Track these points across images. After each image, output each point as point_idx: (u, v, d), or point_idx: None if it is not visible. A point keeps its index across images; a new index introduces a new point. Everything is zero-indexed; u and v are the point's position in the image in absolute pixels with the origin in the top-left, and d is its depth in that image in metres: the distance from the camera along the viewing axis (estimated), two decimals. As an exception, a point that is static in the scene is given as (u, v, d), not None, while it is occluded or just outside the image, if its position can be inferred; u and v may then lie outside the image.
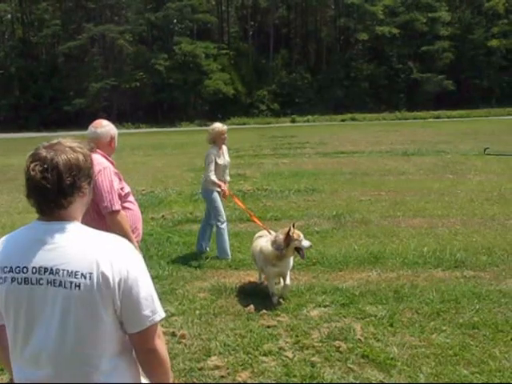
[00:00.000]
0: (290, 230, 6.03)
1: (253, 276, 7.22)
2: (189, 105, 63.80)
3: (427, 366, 4.67)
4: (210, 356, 4.95)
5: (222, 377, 4.60)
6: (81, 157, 2.05)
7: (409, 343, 5.08)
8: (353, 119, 57.43)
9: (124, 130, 48.76)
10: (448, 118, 55.34)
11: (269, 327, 5.52)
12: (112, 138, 4.65)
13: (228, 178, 8.50)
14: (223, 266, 7.72)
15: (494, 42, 68.25)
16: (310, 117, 57.53)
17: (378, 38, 69.03)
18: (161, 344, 2.07)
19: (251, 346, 5.10)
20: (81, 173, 2.04)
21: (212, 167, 7.96)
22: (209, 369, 4.72)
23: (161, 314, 2.04)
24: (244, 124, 56.08)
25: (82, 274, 1.93)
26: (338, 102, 63.40)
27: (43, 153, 2.00)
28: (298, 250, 6.09)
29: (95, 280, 1.93)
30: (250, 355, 4.95)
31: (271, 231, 6.72)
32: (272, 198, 13.02)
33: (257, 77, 66.28)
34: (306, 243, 6.10)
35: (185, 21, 65.83)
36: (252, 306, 6.08)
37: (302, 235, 6.12)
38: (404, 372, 4.55)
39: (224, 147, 8.22)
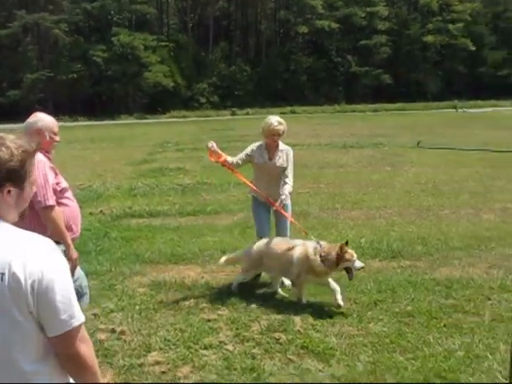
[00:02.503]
0: (342, 249, 5.64)
1: (193, 270, 7.20)
2: (128, 97, 62.86)
3: (365, 355, 4.77)
4: (150, 352, 4.91)
5: (163, 372, 4.57)
6: (6, 156, 1.99)
7: (347, 333, 5.17)
8: (292, 112, 57.73)
9: (61, 123, 47.09)
10: (386, 111, 56.41)
11: (209, 321, 5.51)
12: (48, 132, 4.50)
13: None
14: (163, 261, 7.66)
15: (429, 38, 70.12)
16: (249, 109, 57.59)
17: (318, 31, 69.76)
18: (84, 348, 2.00)
19: (192, 341, 5.08)
20: (2, 171, 1.98)
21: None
22: (149, 365, 4.68)
23: (79, 318, 1.97)
24: (184, 117, 55.71)
25: None
26: (278, 94, 63.78)
27: None
28: (348, 269, 5.73)
29: (6, 281, 1.87)
30: (190, 349, 4.93)
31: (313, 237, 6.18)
32: (212, 191, 13.01)
33: (196, 69, 65.94)
34: (358, 264, 5.72)
35: (123, 11, 64.66)
36: (192, 300, 6.07)
37: (355, 255, 5.74)
38: (342, 361, 4.64)
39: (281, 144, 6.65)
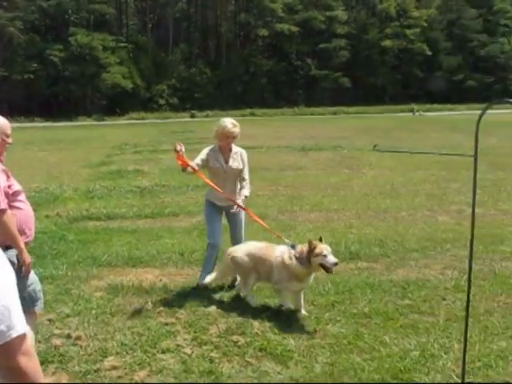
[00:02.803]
0: (311, 244, 5.45)
1: (150, 273, 7.13)
2: (86, 98, 62.18)
3: (323, 356, 4.79)
4: (106, 356, 4.83)
5: (120, 377, 4.51)
6: None
7: (305, 335, 5.19)
8: (252, 114, 58.00)
9: (16, 124, 46.63)
10: (345, 114, 57.07)
11: (167, 324, 5.46)
12: (0, 134, 4.38)
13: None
14: (120, 264, 7.56)
15: (387, 43, 71.35)
16: (209, 112, 57.54)
17: (278, 34, 70.20)
18: (26, 362, 1.93)
19: (149, 344, 5.03)
20: None
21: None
22: (105, 370, 4.61)
23: (18, 330, 1.89)
24: (143, 119, 55.36)
25: None
26: (238, 97, 63.96)
27: None
28: (323, 266, 5.45)
29: None
30: (147, 353, 4.88)
31: (287, 240, 6.02)
32: (170, 193, 12.93)
33: (156, 71, 65.58)
34: (331, 259, 5.41)
35: (81, 11, 63.92)
36: (150, 304, 6.00)
37: (327, 250, 5.45)
38: (300, 363, 4.64)
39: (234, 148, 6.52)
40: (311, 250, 5.41)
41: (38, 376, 1.97)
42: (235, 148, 6.45)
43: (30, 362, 1.93)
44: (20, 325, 1.90)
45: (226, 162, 6.34)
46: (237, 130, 6.28)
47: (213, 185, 6.32)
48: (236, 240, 6.58)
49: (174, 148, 6.05)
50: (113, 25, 70.81)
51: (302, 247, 5.56)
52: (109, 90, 60.37)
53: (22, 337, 1.90)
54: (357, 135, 28.44)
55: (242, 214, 6.52)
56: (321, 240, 5.55)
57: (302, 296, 5.73)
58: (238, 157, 6.43)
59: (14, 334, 1.88)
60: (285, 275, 5.60)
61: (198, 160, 6.32)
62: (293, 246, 5.69)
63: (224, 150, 6.36)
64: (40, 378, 1.98)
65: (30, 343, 1.95)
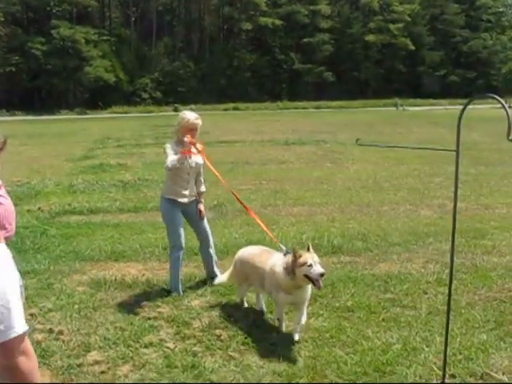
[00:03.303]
0: (295, 253, 4.90)
1: (133, 268, 7.11)
2: (68, 92, 61.72)
3: (305, 350, 4.81)
4: (89, 351, 4.82)
5: (102, 372, 4.49)
6: None
7: (287, 328, 5.20)
8: (235, 108, 57.90)
9: (-3, 118, 46.34)
10: (328, 108, 57.13)
11: (150, 319, 5.45)
12: None
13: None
14: (103, 259, 7.53)
15: (370, 37, 71.50)
16: (192, 106, 57.19)
17: (262, 28, 70.11)
18: (24, 361, 1.93)
19: (132, 339, 5.02)
20: None
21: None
22: (88, 364, 4.59)
23: (17, 330, 1.91)
24: (126, 113, 55.05)
25: None
26: (221, 91, 63.82)
27: None
28: (309, 277, 4.87)
29: None
30: (130, 348, 4.87)
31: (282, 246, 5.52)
32: (153, 188, 12.85)
33: (139, 64, 65.24)
34: (316, 270, 4.83)
35: (63, 3, 63.21)
36: (133, 298, 6.00)
37: (312, 259, 4.86)
38: (283, 357, 4.66)
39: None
40: (295, 259, 4.87)
41: (36, 375, 1.97)
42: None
43: (28, 361, 1.93)
44: (19, 325, 1.90)
45: (190, 157, 6.15)
46: (200, 122, 6.15)
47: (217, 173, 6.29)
48: (202, 233, 6.50)
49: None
50: (95, 18, 70.25)
51: (289, 256, 5.03)
52: (91, 84, 59.96)
53: (21, 337, 1.91)
54: (340, 129, 28.49)
55: (201, 206, 6.45)
56: (308, 249, 4.98)
57: (303, 319, 5.07)
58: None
59: (13, 334, 1.88)
60: (273, 285, 5.16)
61: (172, 156, 6.05)
62: (286, 254, 5.21)
63: (185, 145, 6.13)
64: (37, 378, 1.98)
65: (28, 343, 1.95)
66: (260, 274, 5.39)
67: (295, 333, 4.99)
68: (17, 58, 57.74)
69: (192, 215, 6.40)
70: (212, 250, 6.60)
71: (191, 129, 6.09)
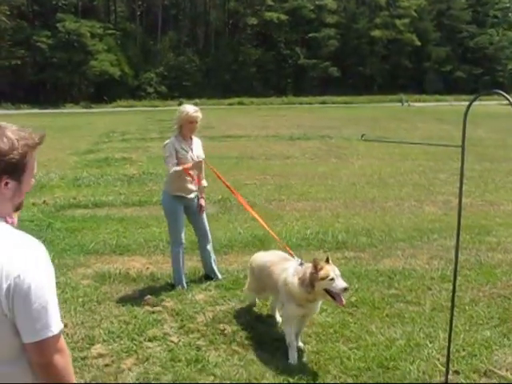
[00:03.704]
0: (316, 265, 4.45)
1: (138, 261, 7.13)
2: (73, 86, 61.70)
3: (309, 345, 4.82)
4: (93, 344, 4.84)
5: (106, 365, 4.52)
6: (3, 147, 1.92)
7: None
8: (240, 103, 57.80)
9: (3, 111, 46.40)
10: (333, 103, 56.99)
11: (153, 312, 5.47)
12: None
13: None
14: (107, 252, 7.55)
15: (376, 32, 71.12)
16: (197, 100, 57.09)
17: (267, 23, 69.83)
18: (59, 359, 1.94)
19: (136, 332, 5.04)
20: (0, 163, 1.91)
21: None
22: (92, 357, 4.62)
23: (54, 330, 1.91)
24: (131, 107, 55.00)
25: None
26: (226, 85, 63.69)
27: None
28: (329, 292, 4.46)
29: None
30: (134, 341, 4.89)
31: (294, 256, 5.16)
32: (158, 182, 12.82)
33: (144, 58, 65.17)
34: (339, 285, 4.41)
35: (69, -3, 63.18)
36: (137, 292, 6.02)
37: (334, 272, 4.44)
38: (287, 352, 4.65)
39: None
40: (316, 271, 4.44)
41: (70, 371, 1.99)
42: (194, 137, 6.29)
43: (62, 358, 1.95)
44: (56, 324, 1.92)
45: (192, 150, 6.14)
46: (199, 114, 6.11)
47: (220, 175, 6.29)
48: (201, 228, 6.44)
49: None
50: (101, 11, 70.17)
51: (307, 267, 4.63)
52: (96, 78, 59.90)
53: (57, 336, 1.92)
54: (345, 125, 28.43)
55: (202, 201, 6.38)
56: (327, 260, 4.56)
57: (303, 328, 4.94)
58: (199, 146, 6.31)
59: (49, 333, 1.90)
60: (285, 295, 4.78)
61: (173, 161, 6.00)
62: (301, 264, 4.81)
63: (186, 139, 6.15)
64: (71, 373, 1.99)
65: (63, 340, 1.97)
66: (274, 281, 4.99)
67: (297, 342, 4.77)
68: (22, 51, 57.71)
69: (193, 210, 6.36)
70: (210, 247, 6.51)
71: (191, 121, 6.06)
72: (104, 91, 58.43)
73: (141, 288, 6.15)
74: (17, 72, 57.37)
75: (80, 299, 5.83)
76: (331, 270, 4.43)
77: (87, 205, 10.58)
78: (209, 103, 54.19)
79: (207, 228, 6.50)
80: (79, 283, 6.34)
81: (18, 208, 2.11)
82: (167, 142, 6.19)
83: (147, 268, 6.84)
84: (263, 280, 5.24)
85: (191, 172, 6.02)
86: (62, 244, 7.92)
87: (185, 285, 6.19)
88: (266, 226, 5.90)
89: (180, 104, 54.71)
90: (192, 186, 6.17)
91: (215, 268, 6.50)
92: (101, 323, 5.24)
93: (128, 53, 64.63)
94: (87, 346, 4.82)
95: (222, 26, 74.55)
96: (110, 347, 4.79)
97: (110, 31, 63.93)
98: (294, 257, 5.13)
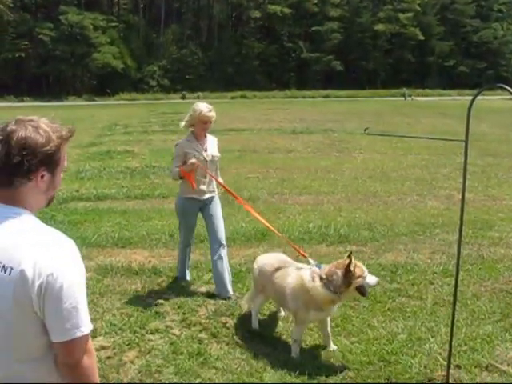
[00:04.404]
0: (350, 263, 4.30)
1: (140, 254, 7.14)
2: (76, 78, 61.65)
3: (311, 338, 4.84)
4: (95, 337, 4.83)
5: (108, 357, 4.53)
6: (41, 140, 1.92)
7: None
8: (243, 97, 57.73)
9: (6, 103, 46.46)
10: (336, 97, 56.90)
11: (156, 305, 5.48)
12: None
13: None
14: (110, 245, 7.56)
15: (379, 26, 70.92)
16: (200, 93, 57.16)
17: (270, 16, 69.65)
18: (85, 360, 1.93)
19: (138, 325, 5.06)
20: (34, 156, 1.91)
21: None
22: (94, 350, 4.62)
23: (84, 330, 1.91)
24: (133, 100, 54.97)
25: (3, 266, 1.84)
26: (229, 79, 63.58)
27: (9, 125, 1.93)
28: (360, 288, 4.41)
29: (14, 277, 1.83)
30: (136, 334, 4.90)
31: (310, 259, 4.84)
32: (160, 175, 12.88)
33: (147, 51, 65.05)
34: (371, 280, 4.42)
35: (71, -11, 63.08)
36: (139, 285, 6.03)
37: (365, 269, 4.42)
38: (289, 345, 4.67)
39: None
40: (352, 270, 4.30)
41: (95, 372, 1.99)
42: (208, 135, 5.94)
43: (89, 358, 1.95)
44: (85, 325, 1.91)
45: (206, 149, 5.82)
46: (213, 114, 5.74)
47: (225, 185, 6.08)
48: (216, 237, 5.94)
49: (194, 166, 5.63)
50: (104, 4, 70.04)
51: (331, 267, 4.43)
52: (99, 70, 59.85)
53: (86, 336, 1.92)
54: (348, 119, 28.39)
55: (219, 205, 6.10)
56: (350, 256, 4.36)
57: (329, 327, 4.75)
58: (214, 144, 5.98)
59: (78, 333, 1.89)
60: (301, 302, 4.52)
61: (179, 161, 5.75)
62: (318, 266, 4.58)
63: (200, 138, 5.82)
64: (95, 376, 1.99)
65: (91, 342, 1.96)
66: (281, 288, 4.73)
67: (329, 345, 4.68)
68: (25, 43, 57.62)
69: (210, 213, 5.96)
70: (225, 256, 5.94)
71: (205, 122, 5.70)
72: (107, 84, 58.37)
73: (143, 281, 6.16)
74: (19, 64, 57.40)
75: (82, 292, 5.83)
76: (363, 268, 4.41)
77: (89, 197, 10.60)
78: (211, 96, 54.07)
79: (223, 233, 6.02)
80: (81, 276, 6.34)
81: (49, 202, 2.12)
82: (179, 142, 6.00)
83: (149, 261, 6.85)
84: (266, 285, 5.02)
85: (196, 173, 5.69)
86: (64, 236, 7.91)
87: (188, 278, 6.19)
88: (270, 226, 5.72)
89: (183, 97, 54.74)
90: (204, 188, 5.84)
91: (229, 287, 5.82)
92: (103, 316, 5.25)
93: (131, 45, 64.54)
94: (89, 338, 4.82)
95: (226, 19, 74.37)
96: (112, 340, 4.80)
97: (112, 24, 63.82)
98: (306, 257, 4.93)
